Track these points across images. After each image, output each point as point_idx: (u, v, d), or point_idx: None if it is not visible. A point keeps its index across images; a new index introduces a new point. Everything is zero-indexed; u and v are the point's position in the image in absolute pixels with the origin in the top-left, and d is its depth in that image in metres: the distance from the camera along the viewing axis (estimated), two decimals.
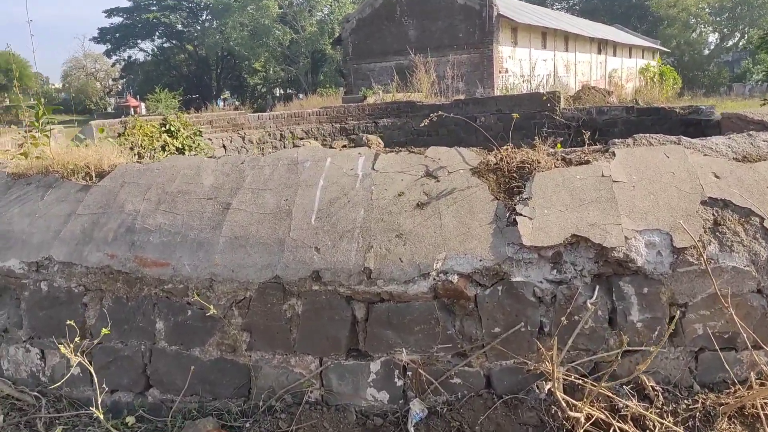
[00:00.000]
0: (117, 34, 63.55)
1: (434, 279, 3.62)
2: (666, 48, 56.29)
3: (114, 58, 67.52)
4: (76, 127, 17.13)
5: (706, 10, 64.27)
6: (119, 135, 12.23)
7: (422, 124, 5.54)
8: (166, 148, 13.17)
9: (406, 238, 3.71)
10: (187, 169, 4.40)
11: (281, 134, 15.94)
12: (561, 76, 31.19)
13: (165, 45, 66.06)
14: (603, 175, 3.94)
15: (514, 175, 4.00)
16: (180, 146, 13.45)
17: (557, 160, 4.10)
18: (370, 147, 5.40)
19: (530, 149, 4.15)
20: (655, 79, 39.64)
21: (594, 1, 72.80)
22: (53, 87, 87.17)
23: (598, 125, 15.81)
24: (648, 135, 4.50)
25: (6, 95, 66.53)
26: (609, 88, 26.49)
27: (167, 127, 13.30)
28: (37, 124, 5.18)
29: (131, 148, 12.39)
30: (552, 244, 3.58)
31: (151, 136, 12.84)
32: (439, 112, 5.55)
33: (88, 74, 74.53)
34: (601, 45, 38.69)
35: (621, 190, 3.83)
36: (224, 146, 14.92)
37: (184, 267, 3.96)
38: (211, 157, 4.77)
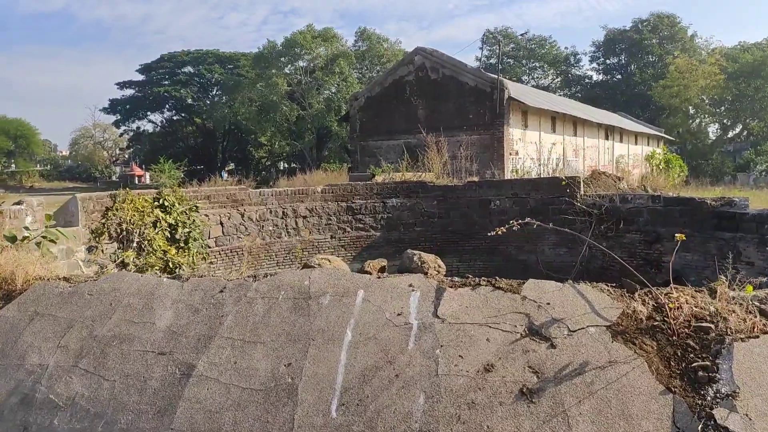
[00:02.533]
0: (127, 106, 64.57)
1: None
2: (670, 136, 56.76)
3: (123, 128, 68.39)
4: (72, 194, 16.24)
5: (706, 101, 65.49)
6: (107, 209, 11.21)
7: (492, 233, 4.10)
8: (158, 224, 12.14)
9: None
10: (135, 296, 3.22)
11: (283, 211, 14.97)
12: (570, 159, 30.76)
13: (174, 117, 67.05)
14: None
15: (690, 342, 2.52)
16: (173, 222, 12.43)
17: (755, 315, 2.63)
18: (426, 274, 3.96)
19: (701, 291, 2.75)
20: (661, 166, 39.53)
21: (596, 90, 74.47)
22: (60, 154, 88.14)
23: (621, 214, 14.85)
24: None
25: (13, 161, 66.73)
26: (617, 174, 25.89)
27: (161, 201, 12.33)
28: None
29: (119, 225, 11.36)
30: None
31: (142, 211, 11.83)
32: (513, 222, 4.28)
33: (95, 143, 75.46)
34: (608, 131, 38.69)
35: None
36: (221, 223, 13.91)
37: None
38: (173, 278, 3.65)
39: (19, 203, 9.08)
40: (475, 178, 17.52)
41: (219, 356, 2.80)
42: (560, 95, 64.10)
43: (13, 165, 66.26)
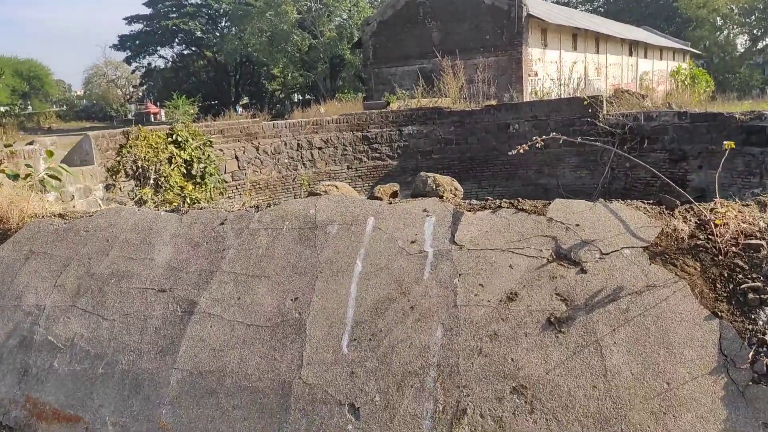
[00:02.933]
0: (137, 41, 63.38)
1: None
2: (696, 50, 54.33)
3: (134, 65, 67.44)
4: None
5: (735, 11, 62.11)
6: (121, 147, 11.14)
7: (513, 152, 3.82)
8: (173, 160, 12.08)
9: (535, 398, 2.08)
10: (132, 231, 3.08)
11: (298, 143, 14.78)
12: (592, 78, 29.67)
13: (184, 52, 65.81)
14: None
15: (738, 262, 2.23)
16: (188, 158, 12.36)
17: None
18: (442, 197, 3.68)
19: (749, 205, 2.49)
20: (686, 82, 38.02)
21: (620, 3, 70.94)
22: (75, 94, 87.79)
23: (645, 132, 14.39)
24: None
25: (29, 102, 66.81)
26: (641, 92, 25.00)
27: (174, 137, 12.21)
28: None
29: (134, 162, 11.32)
30: None
31: (156, 148, 11.75)
32: (536, 138, 4.05)
33: (108, 81, 74.90)
34: (632, 46, 37.07)
35: None
36: (236, 157, 13.81)
37: (106, 427, 2.47)
38: (172, 211, 3.50)
39: (31, 143, 9.05)
40: (493, 102, 17.02)
41: (221, 292, 2.70)
42: (581, 11, 61.23)
43: (29, 107, 66.27)
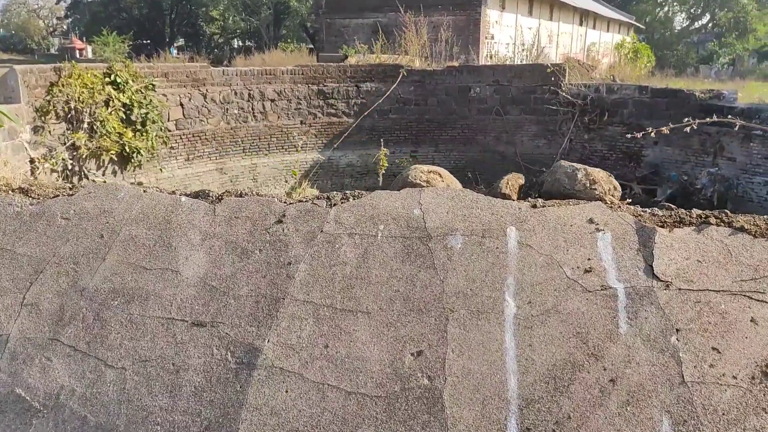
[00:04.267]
0: None
1: None
2: (639, 24, 55.46)
3: None
4: (8, 67, 14.43)
5: None
6: (51, 85, 9.88)
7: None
8: (111, 103, 10.88)
9: None
10: (141, 224, 2.25)
11: (249, 93, 13.77)
12: (544, 46, 29.55)
13: None
14: None
15: None
16: (128, 102, 11.18)
17: None
18: (605, 201, 2.62)
19: None
20: (629, 56, 38.70)
21: None
22: None
23: (606, 105, 14.28)
24: None
25: None
26: (589, 63, 25.12)
27: (112, 77, 10.98)
28: None
29: (66, 103, 10.09)
30: None
31: (92, 88, 10.52)
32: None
33: (29, 11, 68.80)
34: (583, 16, 37.20)
35: None
36: (182, 104, 12.68)
37: None
38: (196, 196, 2.53)
39: None
40: (455, 64, 16.45)
41: (297, 333, 1.82)
42: None
43: None
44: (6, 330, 1.93)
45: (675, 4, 67.56)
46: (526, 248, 2.11)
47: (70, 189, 2.47)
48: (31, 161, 9.18)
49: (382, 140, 14.21)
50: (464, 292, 1.96)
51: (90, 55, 53.80)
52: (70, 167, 10.29)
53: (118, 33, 40.24)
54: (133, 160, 11.41)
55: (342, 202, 2.30)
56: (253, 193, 2.38)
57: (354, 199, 2.35)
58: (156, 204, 2.34)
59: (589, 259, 2.18)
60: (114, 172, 11.31)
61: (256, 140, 14.00)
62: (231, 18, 54.26)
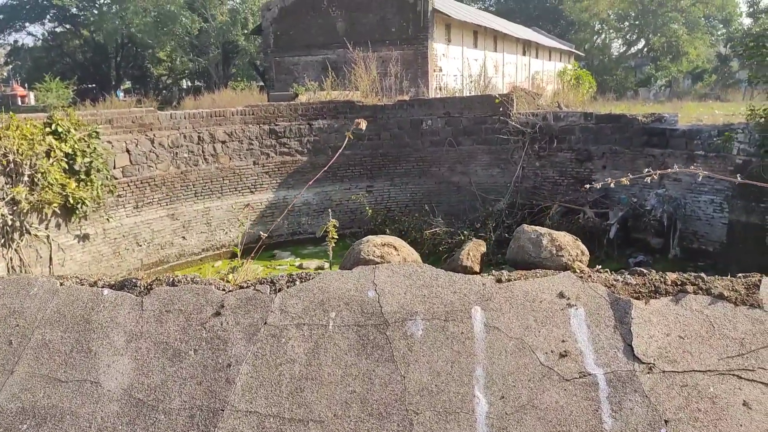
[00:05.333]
0: (1, 16, 56.68)
1: None
2: (579, 52, 57.75)
3: None
4: None
5: (612, 16, 66.80)
6: None
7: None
8: (52, 153, 10.45)
9: None
10: (55, 326, 1.61)
11: (199, 136, 13.50)
12: (491, 76, 30.32)
13: (57, 29, 59.82)
14: None
15: None
16: (70, 151, 10.77)
17: None
18: (571, 269, 2.32)
19: None
20: (572, 83, 40.15)
21: (510, 3, 73.85)
22: None
23: (554, 132, 14.62)
24: None
25: None
26: (534, 90, 25.88)
27: (53, 127, 10.57)
28: None
29: (4, 156, 9.63)
30: None
31: (32, 139, 10.09)
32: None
33: None
34: (526, 46, 38.44)
35: None
36: (128, 150, 12.31)
37: None
38: (120, 288, 2.23)
39: None
40: (406, 97, 16.62)
41: None
42: (476, 8, 62.95)
43: None
44: None
45: (611, 31, 70.77)
46: (493, 331, 1.88)
47: None
48: None
49: (330, 211, 13.96)
50: (429, 389, 1.74)
51: (33, 102, 52.35)
52: (10, 223, 9.77)
53: (62, 78, 39.40)
54: (77, 212, 10.94)
55: (288, 287, 2.08)
56: (188, 280, 2.13)
57: (301, 282, 2.13)
58: (74, 300, 2.07)
59: (563, 341, 1.99)
60: (57, 225, 10.81)
61: (208, 183, 13.69)
62: (179, 59, 53.92)
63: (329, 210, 13.78)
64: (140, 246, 12.60)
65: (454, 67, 26.55)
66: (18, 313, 2.00)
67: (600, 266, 2.45)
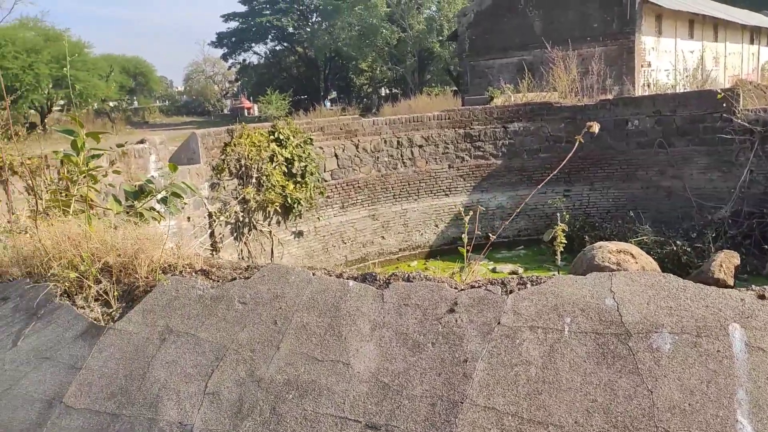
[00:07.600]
0: (233, 39, 65.51)
1: None
2: None
3: (230, 61, 69.88)
4: (189, 129, 16.42)
5: None
6: (225, 145, 10.97)
7: None
8: (275, 158, 11.81)
9: None
10: (311, 310, 2.26)
11: (398, 141, 14.19)
12: (709, 69, 27.13)
13: (277, 48, 67.36)
14: None
15: None
16: (289, 156, 12.06)
17: None
18: None
19: None
20: None
21: None
22: (176, 90, 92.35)
23: None
24: None
25: (135, 98, 70.66)
26: (765, 84, 22.48)
27: (276, 135, 11.93)
28: (75, 159, 3.10)
29: (237, 160, 11.12)
30: None
31: (259, 146, 11.51)
32: None
33: (207, 78, 78.19)
34: (754, 34, 33.70)
35: None
36: (336, 155, 13.40)
37: None
38: (363, 280, 2.48)
39: (142, 141, 8.94)
40: (609, 96, 15.64)
41: None
42: None
43: (135, 102, 70.12)
44: (191, 418, 2.04)
45: None
46: (757, 352, 1.71)
47: (246, 271, 2.57)
48: (210, 215, 10.18)
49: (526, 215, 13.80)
50: (681, 407, 1.65)
51: (256, 113, 59.53)
52: (242, 219, 11.26)
53: (280, 91, 44.15)
54: (294, 211, 12.20)
55: (519, 289, 2.10)
56: (421, 277, 2.28)
57: (532, 285, 2.14)
58: (325, 289, 2.34)
59: None
60: (278, 222, 12.16)
61: (405, 186, 14.32)
62: (378, 68, 57.08)
63: (525, 214, 13.53)
64: (345, 243, 13.63)
65: (666, 62, 24.26)
66: (280, 297, 2.34)
67: None
